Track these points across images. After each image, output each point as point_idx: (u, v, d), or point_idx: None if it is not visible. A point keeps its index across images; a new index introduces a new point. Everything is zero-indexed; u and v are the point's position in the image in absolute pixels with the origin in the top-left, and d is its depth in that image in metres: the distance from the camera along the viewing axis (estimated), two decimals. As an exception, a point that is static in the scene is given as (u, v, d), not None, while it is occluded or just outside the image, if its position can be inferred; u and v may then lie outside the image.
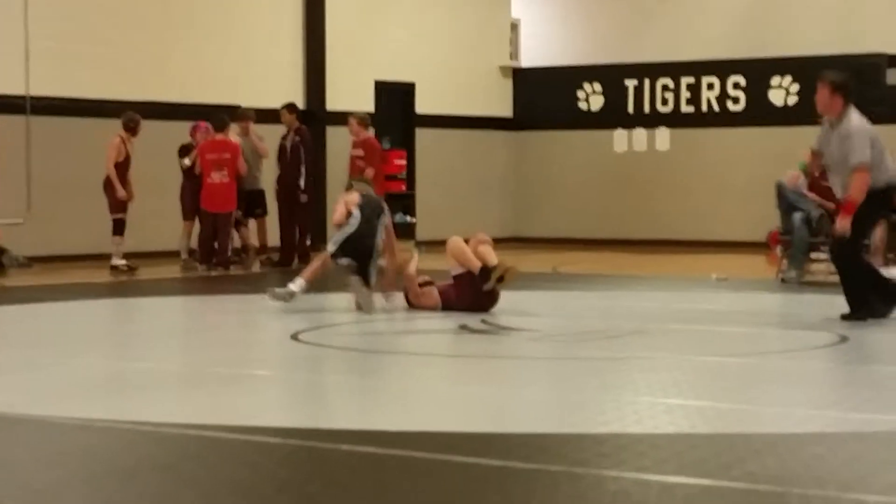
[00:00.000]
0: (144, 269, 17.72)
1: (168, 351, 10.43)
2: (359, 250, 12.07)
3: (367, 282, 12.03)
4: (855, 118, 11.32)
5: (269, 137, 18.59)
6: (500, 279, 11.94)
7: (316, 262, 12.70)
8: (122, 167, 17.19)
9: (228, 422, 7.06)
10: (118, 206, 17.22)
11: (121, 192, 17.11)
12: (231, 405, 7.76)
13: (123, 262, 17.24)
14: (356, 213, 12.22)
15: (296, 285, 12.28)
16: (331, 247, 12.26)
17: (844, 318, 11.45)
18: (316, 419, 7.47)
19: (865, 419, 7.26)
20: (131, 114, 17.37)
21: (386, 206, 12.70)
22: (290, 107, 18.51)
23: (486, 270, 11.98)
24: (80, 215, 18.54)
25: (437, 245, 23.31)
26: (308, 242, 18.50)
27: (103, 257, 18.31)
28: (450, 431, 6.98)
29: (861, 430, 6.96)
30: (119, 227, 17.24)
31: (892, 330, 11.99)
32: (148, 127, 18.99)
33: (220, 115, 18.15)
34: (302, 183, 18.19)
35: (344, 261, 12.06)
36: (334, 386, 8.91)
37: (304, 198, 18.24)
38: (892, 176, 11.41)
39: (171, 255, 18.57)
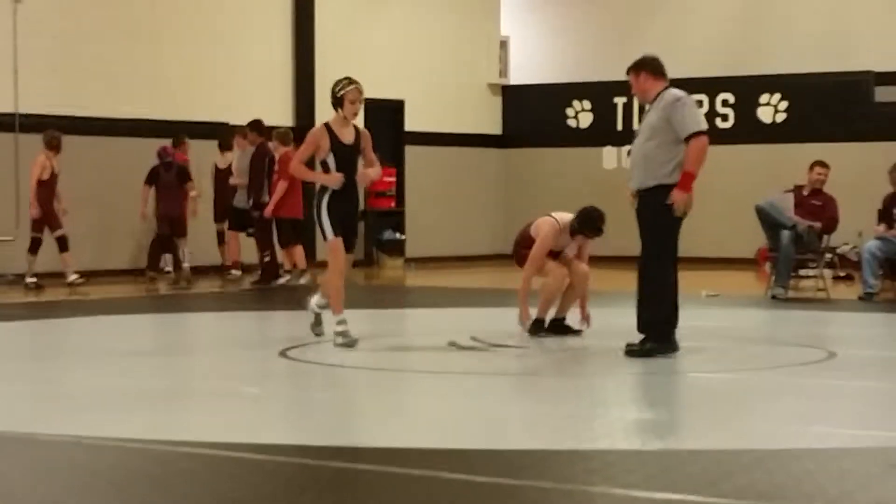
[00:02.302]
0: (131, 286, 17.72)
1: (156, 367, 10.41)
2: None
3: None
4: (681, 91, 10.42)
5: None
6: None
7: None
8: (49, 185, 17.36)
9: (217, 438, 7.05)
10: (36, 226, 17.39)
11: (35, 211, 17.31)
12: (219, 422, 7.75)
13: (34, 279, 17.32)
14: None
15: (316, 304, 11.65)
16: None
17: (629, 351, 10.26)
18: (304, 436, 7.47)
19: (854, 435, 7.27)
20: (52, 131, 17.54)
21: None
22: (250, 124, 18.59)
23: (539, 323, 11.58)
24: (70, 232, 18.52)
25: (426, 262, 23.02)
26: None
27: (92, 273, 18.28)
28: (438, 448, 6.98)
29: (849, 445, 6.97)
30: (35, 246, 17.40)
31: (881, 346, 12.02)
32: (137, 144, 19.03)
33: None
34: (251, 201, 18.28)
35: None
36: (322, 403, 8.90)
37: (255, 214, 18.30)
38: None
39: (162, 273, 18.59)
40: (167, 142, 19.02)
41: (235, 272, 18.87)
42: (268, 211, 17.80)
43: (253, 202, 18.14)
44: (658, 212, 10.26)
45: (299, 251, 18.16)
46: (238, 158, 18.73)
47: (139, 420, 7.79)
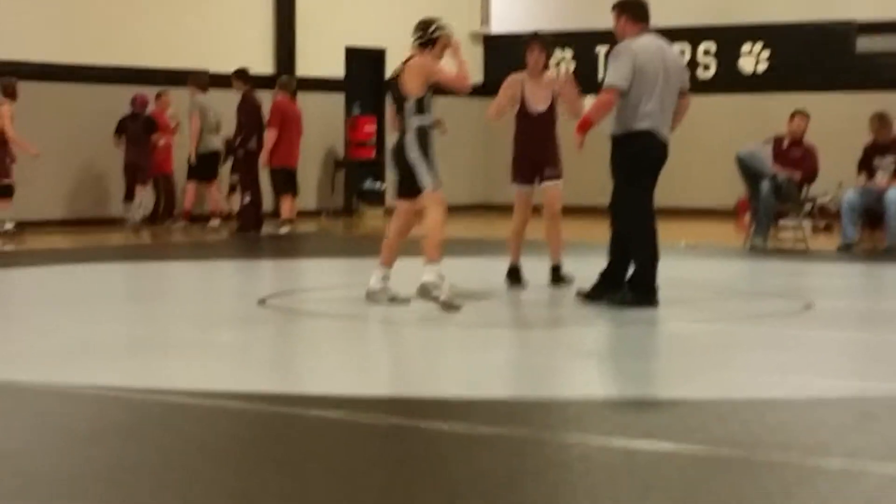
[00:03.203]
0: (107, 234, 17.68)
1: (134, 316, 10.39)
2: None
3: None
4: (641, 40, 10.38)
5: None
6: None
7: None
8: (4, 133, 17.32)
9: (194, 387, 7.05)
10: (7, 171, 17.29)
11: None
12: (197, 370, 7.74)
13: (11, 226, 17.26)
14: None
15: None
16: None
17: (609, 300, 10.22)
18: (282, 384, 7.47)
19: (830, 385, 7.29)
20: (8, 78, 17.47)
21: None
22: (235, 73, 18.49)
23: (516, 271, 11.74)
24: (49, 180, 18.47)
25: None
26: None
27: (70, 223, 18.25)
28: (416, 397, 6.99)
29: (825, 395, 6.99)
30: (9, 191, 17.38)
31: (858, 297, 12.05)
32: (116, 92, 18.94)
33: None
34: (237, 143, 18.33)
35: None
36: (301, 351, 8.91)
37: (240, 153, 18.32)
38: (653, 125, 10.31)
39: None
40: (145, 89, 18.99)
41: (214, 221, 18.84)
42: (263, 162, 17.73)
43: (238, 145, 18.10)
44: (619, 160, 10.48)
45: (288, 201, 18.17)
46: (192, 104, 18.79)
47: (115, 368, 7.77)
